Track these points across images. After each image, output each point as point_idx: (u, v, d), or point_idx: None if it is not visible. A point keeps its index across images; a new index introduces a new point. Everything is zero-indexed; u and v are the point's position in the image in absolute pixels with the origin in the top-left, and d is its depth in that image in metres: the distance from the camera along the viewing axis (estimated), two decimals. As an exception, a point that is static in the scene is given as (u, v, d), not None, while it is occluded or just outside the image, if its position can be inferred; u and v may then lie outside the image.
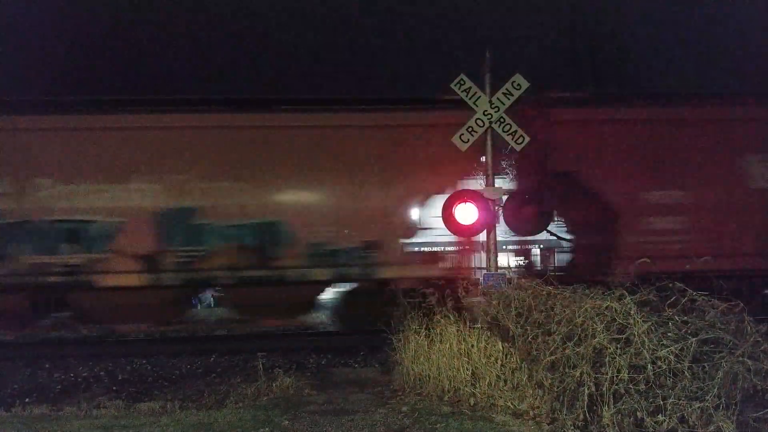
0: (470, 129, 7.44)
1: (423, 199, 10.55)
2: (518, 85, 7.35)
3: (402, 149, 10.59)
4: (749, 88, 11.64)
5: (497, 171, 10.50)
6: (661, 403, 4.12)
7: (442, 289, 10.33)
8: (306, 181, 10.44)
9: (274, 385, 6.72)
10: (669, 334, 4.36)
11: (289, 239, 10.21)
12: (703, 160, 10.74)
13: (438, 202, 10.54)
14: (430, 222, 10.50)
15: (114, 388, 7.54)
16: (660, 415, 4.10)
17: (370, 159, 10.55)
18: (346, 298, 11.02)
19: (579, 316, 4.86)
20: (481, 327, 6.25)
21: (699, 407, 4.00)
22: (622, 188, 10.56)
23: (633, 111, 10.85)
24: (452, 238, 10.75)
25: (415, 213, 10.59)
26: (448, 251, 10.72)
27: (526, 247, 11.36)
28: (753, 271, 10.51)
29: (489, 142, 7.53)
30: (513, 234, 9.81)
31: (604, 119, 10.85)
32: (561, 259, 11.02)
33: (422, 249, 10.68)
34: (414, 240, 10.58)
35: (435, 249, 10.68)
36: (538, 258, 11.50)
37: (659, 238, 10.60)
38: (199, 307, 14.22)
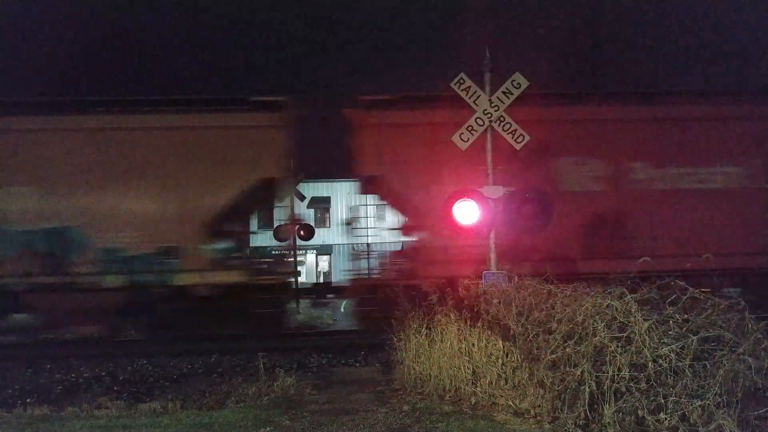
0: (470, 128, 7.44)
1: (228, 203, 10.24)
2: (518, 83, 7.34)
3: (200, 152, 10.27)
4: (554, 89, 11.31)
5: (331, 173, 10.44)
6: (662, 401, 4.12)
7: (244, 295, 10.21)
8: (98, 185, 10.19)
9: (275, 384, 6.72)
10: (670, 332, 4.35)
11: (82, 245, 10.03)
12: (516, 163, 10.39)
13: (246, 206, 10.33)
14: (236, 227, 10.31)
15: (115, 388, 7.54)
16: (661, 414, 4.10)
17: (164, 163, 10.28)
18: (151, 305, 10.63)
19: (580, 315, 4.86)
20: (482, 327, 6.26)
21: (700, 405, 3.99)
22: (430, 191, 10.26)
23: (436, 113, 10.49)
24: (266, 243, 10.52)
25: (219, 218, 10.27)
26: (258, 256, 10.56)
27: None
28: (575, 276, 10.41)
29: (489, 141, 7.52)
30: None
31: (407, 122, 10.53)
32: (374, 261, 10.84)
33: (228, 255, 10.38)
34: (219, 246, 10.32)
35: (241, 254, 10.41)
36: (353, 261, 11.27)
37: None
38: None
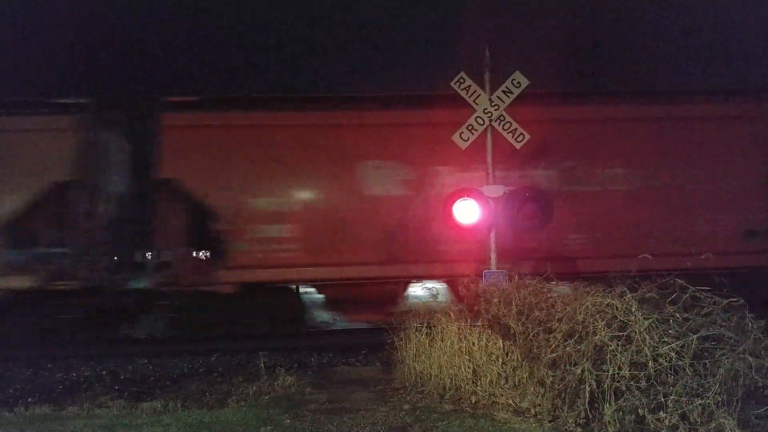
0: (470, 127, 7.44)
1: (19, 207, 9.85)
2: (518, 83, 7.34)
3: None
4: (372, 92, 10.93)
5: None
6: (663, 400, 4.13)
7: None
8: None
9: (275, 383, 6.72)
10: (670, 331, 4.36)
11: None
12: (314, 166, 10.23)
13: (40, 209, 9.87)
14: (29, 230, 9.96)
15: (116, 387, 7.54)
16: (661, 412, 4.11)
17: None
18: None
19: (580, 314, 4.87)
20: (482, 325, 6.27)
21: (700, 404, 4.00)
22: (230, 195, 10.07)
23: (240, 116, 10.31)
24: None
25: (9, 221, 9.87)
26: (55, 260, 10.11)
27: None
28: (376, 279, 10.21)
29: (489, 141, 7.53)
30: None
31: (211, 124, 10.29)
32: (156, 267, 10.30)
33: (21, 259, 9.98)
34: (10, 250, 9.93)
35: (35, 259, 10.01)
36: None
37: (269, 246, 10.04)
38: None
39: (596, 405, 4.51)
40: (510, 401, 5.50)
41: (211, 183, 10.08)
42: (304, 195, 10.34)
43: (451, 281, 10.53)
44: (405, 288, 10.83)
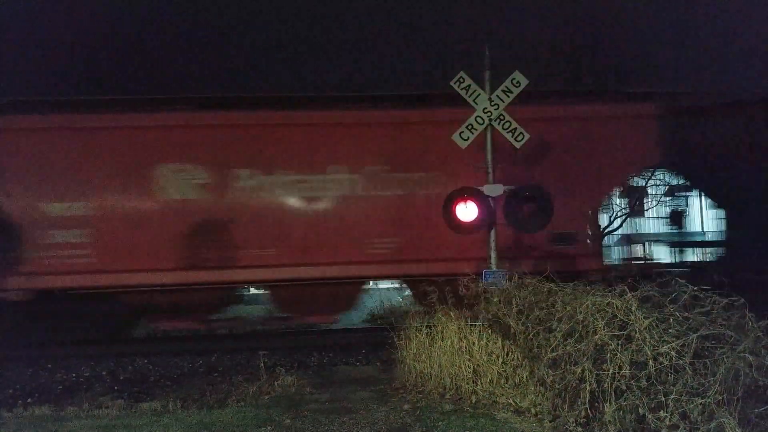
0: (470, 126, 7.42)
1: None
2: (517, 82, 7.33)
3: None
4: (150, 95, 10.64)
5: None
6: (663, 399, 4.12)
7: None
8: None
9: (275, 383, 6.73)
10: (670, 330, 4.36)
11: None
12: (108, 170, 9.91)
13: None
14: None
15: (116, 387, 7.55)
16: (661, 411, 4.10)
17: None
18: None
19: (580, 313, 4.87)
20: (482, 324, 6.27)
21: (700, 403, 4.00)
22: (20, 199, 9.79)
23: (30, 119, 10.00)
24: None
25: None
26: None
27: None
28: (175, 286, 9.95)
29: (489, 140, 7.52)
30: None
31: (1, 128, 9.99)
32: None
33: None
34: None
35: None
36: None
37: (60, 252, 9.75)
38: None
39: (597, 404, 4.51)
40: (510, 401, 5.50)
41: (1, 186, 9.84)
42: (98, 200, 9.95)
43: (273, 286, 10.41)
44: (221, 295, 10.61)
